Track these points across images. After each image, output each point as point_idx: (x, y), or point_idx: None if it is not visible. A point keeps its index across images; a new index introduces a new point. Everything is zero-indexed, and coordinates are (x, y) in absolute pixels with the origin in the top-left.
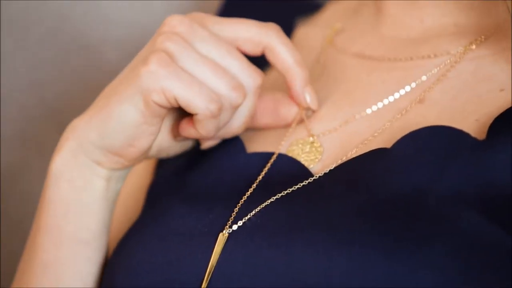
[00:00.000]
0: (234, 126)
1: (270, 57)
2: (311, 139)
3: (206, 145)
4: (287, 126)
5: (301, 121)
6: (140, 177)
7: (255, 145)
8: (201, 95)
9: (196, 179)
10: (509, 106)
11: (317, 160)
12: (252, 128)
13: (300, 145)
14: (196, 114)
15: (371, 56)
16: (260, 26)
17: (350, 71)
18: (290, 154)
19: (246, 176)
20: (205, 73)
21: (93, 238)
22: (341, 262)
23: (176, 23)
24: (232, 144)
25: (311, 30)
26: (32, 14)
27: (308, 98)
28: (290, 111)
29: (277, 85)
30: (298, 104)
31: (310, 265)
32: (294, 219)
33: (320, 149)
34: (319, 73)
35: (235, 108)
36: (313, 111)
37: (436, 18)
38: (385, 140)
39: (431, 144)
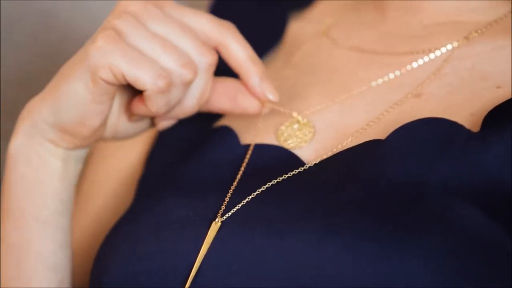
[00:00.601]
0: (187, 105)
1: (224, 54)
2: (299, 117)
3: (161, 125)
4: (246, 115)
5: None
6: (131, 169)
7: (248, 136)
8: (148, 71)
9: (189, 169)
10: None
11: (311, 135)
12: (208, 111)
13: (288, 126)
14: (145, 91)
15: (368, 49)
16: (216, 24)
17: (345, 63)
18: (281, 137)
19: (237, 166)
20: (154, 50)
21: (53, 218)
22: (334, 251)
23: (129, 3)
24: (225, 135)
25: (304, 25)
26: (21, 11)
27: (266, 91)
28: (250, 102)
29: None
30: (259, 98)
31: (302, 254)
32: (287, 208)
33: (310, 124)
34: (312, 66)
35: (186, 85)
36: (274, 103)
37: (433, 14)
38: (380, 131)
39: (426, 136)
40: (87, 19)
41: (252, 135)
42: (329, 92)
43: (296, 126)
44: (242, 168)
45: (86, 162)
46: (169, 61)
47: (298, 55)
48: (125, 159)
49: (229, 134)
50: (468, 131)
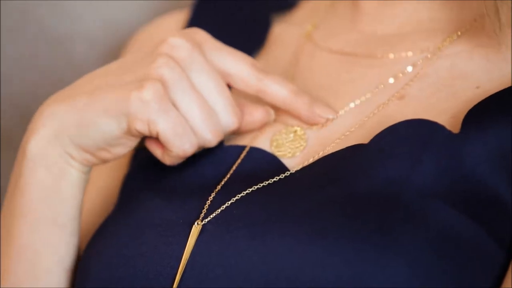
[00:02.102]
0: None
1: (265, 98)
2: (295, 128)
3: (168, 161)
4: (254, 130)
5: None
6: (115, 169)
7: (233, 138)
8: (182, 138)
9: (172, 171)
10: None
11: (302, 147)
12: None
13: (284, 134)
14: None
15: (350, 52)
16: (254, 68)
17: (329, 67)
18: (274, 144)
19: (223, 168)
20: (193, 112)
21: (69, 222)
22: (315, 253)
23: (177, 45)
24: None
25: (287, 27)
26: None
27: (322, 114)
28: (256, 116)
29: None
30: (262, 108)
31: (284, 256)
32: (269, 211)
33: (305, 136)
34: (297, 69)
35: (205, 147)
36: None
37: (410, 14)
38: (364, 135)
39: (407, 137)
40: (64, 17)
41: (238, 137)
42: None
43: (291, 136)
44: (231, 171)
45: None
46: (202, 127)
47: (281, 60)
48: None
49: None
50: (448, 132)
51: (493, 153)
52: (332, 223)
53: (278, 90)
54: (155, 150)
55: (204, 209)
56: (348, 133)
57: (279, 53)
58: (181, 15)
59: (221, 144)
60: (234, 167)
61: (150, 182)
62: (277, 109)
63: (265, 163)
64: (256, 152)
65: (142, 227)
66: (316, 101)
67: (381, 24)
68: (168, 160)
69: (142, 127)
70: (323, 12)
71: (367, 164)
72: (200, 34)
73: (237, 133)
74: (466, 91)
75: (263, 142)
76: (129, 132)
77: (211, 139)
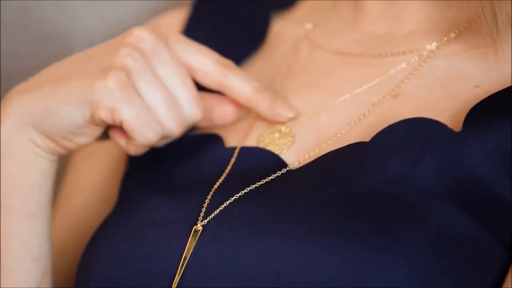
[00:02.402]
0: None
1: (228, 94)
2: (281, 127)
3: (132, 151)
4: (225, 125)
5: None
6: (112, 167)
7: (230, 140)
8: (146, 126)
9: (172, 171)
10: None
11: (290, 143)
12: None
13: (270, 133)
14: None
15: (348, 52)
16: (217, 63)
17: (326, 66)
18: (261, 144)
19: (222, 168)
20: (157, 100)
21: (38, 211)
22: (315, 253)
23: (142, 37)
24: (210, 138)
25: (286, 25)
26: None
27: (282, 113)
28: (226, 112)
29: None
30: (234, 104)
31: (283, 256)
32: (269, 210)
33: (291, 133)
34: (294, 67)
35: (169, 137)
36: (295, 118)
37: (412, 15)
38: (360, 133)
39: (409, 137)
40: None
41: (234, 139)
42: (310, 96)
43: (277, 135)
44: (226, 171)
45: (70, 160)
46: (166, 117)
47: (280, 59)
48: (110, 156)
49: (213, 137)
50: (450, 130)
51: (493, 153)
52: (332, 222)
53: (241, 87)
54: (119, 140)
55: (204, 208)
56: (343, 131)
57: (278, 52)
58: (181, 14)
59: (221, 144)
60: (229, 166)
61: (149, 182)
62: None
63: (262, 160)
64: (254, 150)
65: (142, 227)
66: (277, 100)
67: (382, 24)
68: (132, 150)
69: (105, 116)
70: (324, 11)
71: (368, 163)
72: (165, 28)
73: (204, 126)
74: (464, 90)
75: (250, 142)
76: (93, 121)
77: (174, 129)
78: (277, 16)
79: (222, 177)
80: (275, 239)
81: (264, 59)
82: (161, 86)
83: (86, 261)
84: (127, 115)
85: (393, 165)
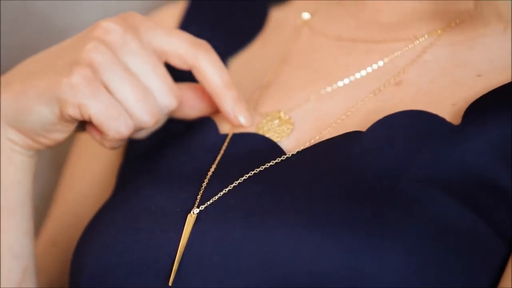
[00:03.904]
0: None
1: (198, 77)
2: (281, 113)
3: (108, 146)
4: (211, 114)
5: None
6: (109, 158)
7: (228, 128)
8: (116, 120)
9: (168, 159)
10: (487, 91)
11: (289, 130)
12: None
13: (269, 120)
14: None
15: (348, 38)
16: (190, 45)
17: (325, 52)
18: (260, 131)
19: (217, 155)
20: (126, 93)
21: (18, 208)
22: (313, 241)
23: (109, 29)
24: (205, 125)
25: (285, 13)
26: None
27: (239, 115)
28: (194, 107)
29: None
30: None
31: (281, 244)
32: (266, 200)
33: (291, 121)
34: (292, 53)
35: (144, 129)
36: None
37: (414, 4)
38: (359, 120)
39: (406, 129)
40: (64, 7)
41: (232, 127)
42: (310, 82)
43: (276, 121)
44: (219, 157)
45: (68, 153)
46: (137, 108)
47: (279, 45)
48: (102, 151)
49: (208, 123)
50: (449, 124)
51: (493, 145)
52: (329, 212)
53: (213, 74)
54: (94, 135)
55: (199, 196)
56: (344, 117)
57: (276, 38)
58: (179, 6)
59: (216, 131)
60: (222, 152)
61: (146, 170)
62: (262, 95)
63: (258, 146)
64: (250, 136)
65: (138, 215)
66: (241, 102)
67: (383, 13)
68: (107, 144)
69: (73, 112)
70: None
71: (367, 154)
72: (134, 16)
73: (182, 116)
74: (467, 79)
75: (249, 129)
76: (62, 118)
77: (147, 120)
78: (275, 5)
79: (215, 164)
80: (273, 228)
81: (262, 46)
82: (130, 78)
83: (81, 249)
84: (95, 110)
85: (389, 156)
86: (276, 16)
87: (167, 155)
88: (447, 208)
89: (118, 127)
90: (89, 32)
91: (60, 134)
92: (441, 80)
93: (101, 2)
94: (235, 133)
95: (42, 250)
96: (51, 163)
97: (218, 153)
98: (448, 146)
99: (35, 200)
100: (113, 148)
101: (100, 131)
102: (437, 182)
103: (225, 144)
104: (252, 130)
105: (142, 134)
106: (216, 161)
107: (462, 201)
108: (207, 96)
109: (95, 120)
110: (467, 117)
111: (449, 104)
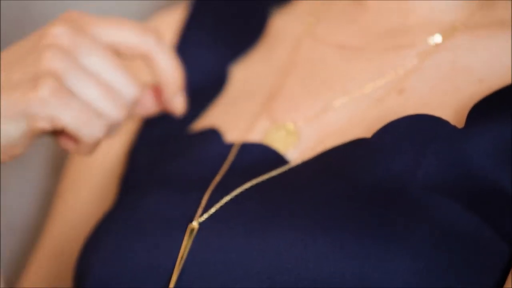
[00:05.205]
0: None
1: (147, 63)
2: (288, 124)
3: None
4: (175, 112)
5: None
6: (112, 167)
7: (232, 134)
8: (89, 125)
9: (172, 167)
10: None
11: (295, 142)
12: None
13: (275, 131)
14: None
15: (350, 46)
16: (139, 33)
17: (328, 60)
18: (266, 141)
19: (223, 164)
20: (93, 94)
21: None
22: (318, 250)
23: (58, 34)
24: (209, 133)
25: (286, 19)
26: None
27: (177, 103)
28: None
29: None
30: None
31: (285, 253)
32: (269, 207)
33: (297, 131)
34: (294, 61)
35: (115, 124)
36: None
37: (414, 8)
38: (364, 129)
39: (411, 133)
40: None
41: (236, 134)
42: (315, 93)
43: (283, 132)
44: (225, 167)
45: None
46: (106, 105)
47: (282, 51)
48: (110, 151)
49: (213, 133)
50: (453, 126)
51: (497, 148)
52: (334, 218)
53: (162, 61)
54: (68, 145)
55: (202, 205)
56: (348, 126)
57: (278, 47)
58: (176, 13)
59: (221, 140)
60: (229, 162)
61: (149, 178)
62: (267, 106)
63: (263, 156)
64: (255, 147)
65: (142, 223)
66: (182, 91)
67: (384, 18)
68: (83, 150)
69: (45, 125)
70: (325, 5)
71: (370, 159)
72: (77, 15)
73: (139, 112)
74: (469, 85)
75: (254, 137)
76: (30, 132)
77: (117, 115)
78: (277, 11)
79: (222, 173)
80: (276, 235)
81: (264, 54)
82: (91, 78)
83: (84, 257)
84: (68, 119)
85: (395, 161)
86: (278, 23)
87: (171, 164)
88: (453, 213)
89: (93, 130)
90: (39, 40)
91: (19, 149)
92: (443, 86)
93: (101, 2)
94: (244, 143)
95: (41, 263)
96: (50, 170)
97: (223, 162)
98: (452, 150)
99: (34, 209)
100: (89, 154)
101: (73, 140)
102: (443, 186)
103: (232, 153)
104: (256, 138)
105: (113, 132)
106: (222, 171)
107: (467, 205)
108: (156, 92)
109: (70, 129)
110: (471, 120)
111: (451, 111)
